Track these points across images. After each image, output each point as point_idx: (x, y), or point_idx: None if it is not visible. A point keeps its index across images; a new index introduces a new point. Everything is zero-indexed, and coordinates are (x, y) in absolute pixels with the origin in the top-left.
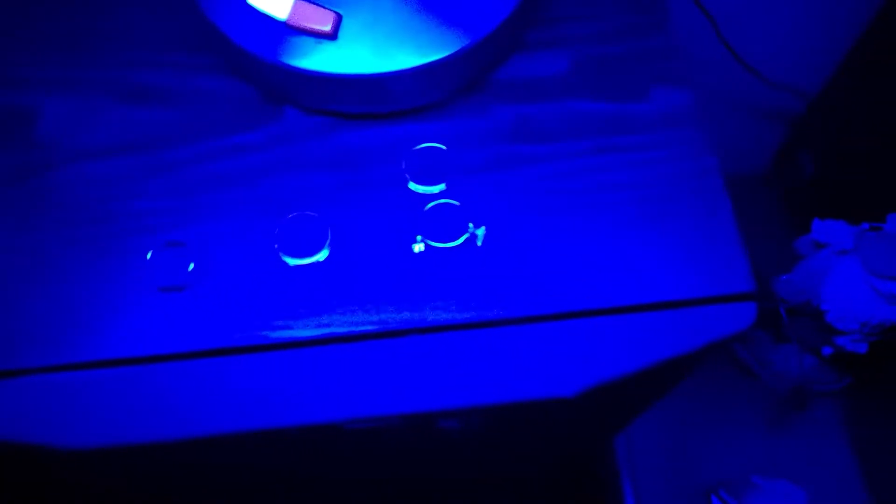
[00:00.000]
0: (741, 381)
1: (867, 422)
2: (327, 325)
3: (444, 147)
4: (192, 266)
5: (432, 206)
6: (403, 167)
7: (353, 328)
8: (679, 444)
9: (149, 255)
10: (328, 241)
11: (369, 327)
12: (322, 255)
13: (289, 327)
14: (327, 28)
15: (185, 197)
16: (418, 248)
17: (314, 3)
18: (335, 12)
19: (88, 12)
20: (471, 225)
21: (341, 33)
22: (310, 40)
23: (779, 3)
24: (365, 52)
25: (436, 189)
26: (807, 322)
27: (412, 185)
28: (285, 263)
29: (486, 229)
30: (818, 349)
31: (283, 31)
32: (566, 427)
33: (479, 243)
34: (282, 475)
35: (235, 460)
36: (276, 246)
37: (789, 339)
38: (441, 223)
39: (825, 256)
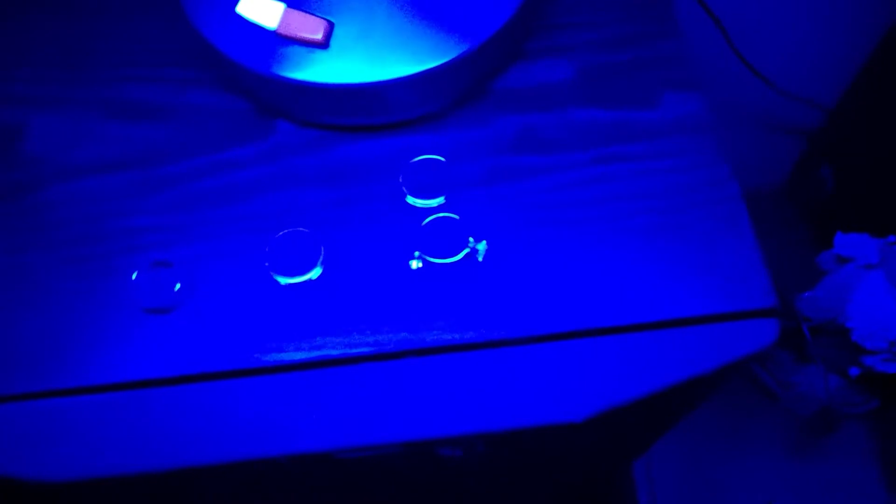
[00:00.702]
0: (763, 404)
1: None
2: (320, 347)
3: (442, 159)
4: (178, 286)
5: (430, 221)
6: (400, 180)
7: (348, 350)
8: (699, 471)
9: (134, 276)
10: (321, 259)
11: (365, 349)
12: (315, 274)
13: (280, 349)
14: (318, 37)
15: (176, 214)
16: (416, 264)
17: (305, 12)
18: (327, 20)
19: (79, 28)
20: (471, 240)
21: (333, 42)
22: (301, 50)
23: (793, 12)
24: (358, 60)
25: (434, 203)
26: (832, 341)
27: (410, 199)
28: (277, 282)
29: (488, 244)
30: (844, 370)
31: (274, 42)
32: (580, 453)
33: (480, 258)
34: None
35: (224, 490)
36: (266, 264)
37: (813, 359)
38: (440, 238)
39: (849, 272)
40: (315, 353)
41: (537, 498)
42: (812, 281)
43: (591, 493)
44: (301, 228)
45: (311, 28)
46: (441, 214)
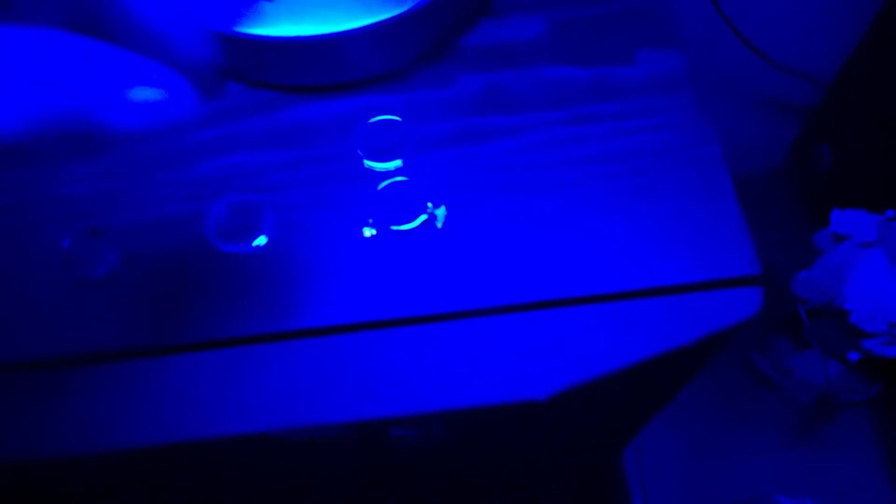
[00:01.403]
0: (760, 391)
1: None
2: (264, 321)
3: (399, 119)
4: (113, 257)
5: (386, 186)
6: (356, 142)
7: (293, 324)
8: (694, 461)
9: (66, 245)
10: (264, 226)
11: (311, 323)
12: (260, 241)
13: (219, 324)
14: None
15: (111, 181)
16: (369, 232)
17: None
18: None
19: None
20: (430, 205)
21: None
22: (245, 1)
23: None
24: (308, 11)
25: (392, 166)
26: (830, 325)
27: (367, 163)
28: (219, 252)
29: (449, 210)
30: (843, 354)
31: None
32: (557, 439)
33: (439, 225)
34: (220, 489)
35: (163, 479)
36: (207, 232)
37: (811, 344)
38: (396, 204)
39: (847, 250)
40: (258, 328)
41: (522, 482)
42: (809, 262)
43: (579, 486)
44: (247, 194)
45: None
46: (398, 179)
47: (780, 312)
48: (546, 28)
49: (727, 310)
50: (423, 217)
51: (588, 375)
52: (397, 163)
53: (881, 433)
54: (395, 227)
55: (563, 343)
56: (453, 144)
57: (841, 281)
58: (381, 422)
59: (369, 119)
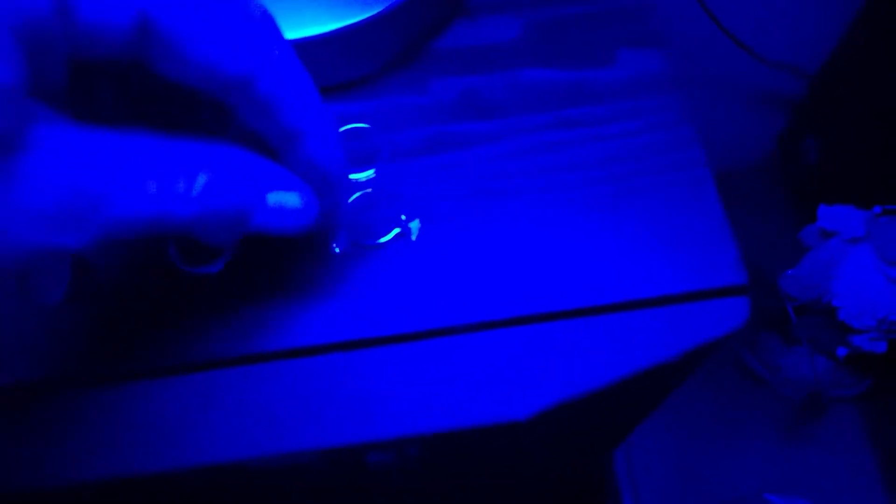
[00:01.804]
0: (750, 388)
1: (890, 429)
2: (227, 344)
3: (367, 126)
4: (74, 279)
5: (357, 197)
6: None
7: (261, 346)
8: (684, 459)
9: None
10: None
11: (280, 345)
12: (224, 260)
13: (186, 348)
14: None
15: None
16: (339, 247)
17: None
18: None
19: None
20: (403, 217)
21: None
22: None
23: None
24: (274, 16)
25: (363, 177)
26: (818, 321)
27: None
28: (183, 272)
29: (423, 222)
30: (832, 351)
31: None
32: (541, 452)
33: (413, 238)
34: None
35: None
36: (171, 252)
37: (800, 340)
38: (368, 217)
39: (834, 246)
40: (221, 352)
41: (510, 491)
42: (796, 259)
43: (567, 487)
44: None
45: None
46: (368, 190)
47: (768, 309)
48: (522, 28)
49: (714, 321)
50: (397, 230)
51: (569, 393)
52: (369, 173)
53: (870, 429)
54: (366, 242)
55: (542, 360)
56: (427, 153)
57: (829, 278)
58: (357, 447)
59: (339, 128)
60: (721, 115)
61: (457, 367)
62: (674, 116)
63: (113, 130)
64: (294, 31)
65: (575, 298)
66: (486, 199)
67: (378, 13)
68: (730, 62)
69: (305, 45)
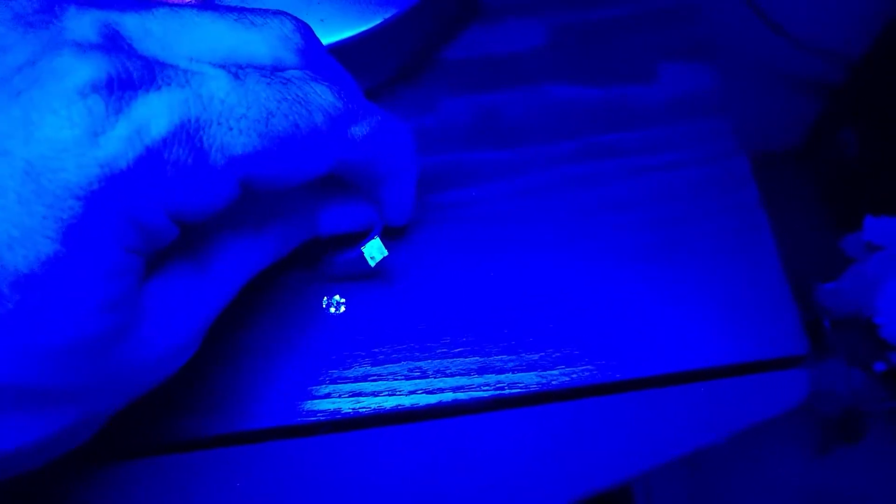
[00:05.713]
0: None
1: None
2: (209, 424)
3: None
4: None
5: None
6: None
7: (240, 426)
8: (709, 482)
9: None
10: None
11: (258, 425)
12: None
13: (172, 427)
14: None
15: None
16: (336, 308)
17: None
18: None
19: None
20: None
21: None
22: None
23: None
24: None
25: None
26: (854, 333)
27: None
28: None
29: (425, 275)
30: (868, 364)
31: None
32: None
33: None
34: None
35: None
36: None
37: (833, 353)
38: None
39: (880, 261)
40: (206, 431)
41: None
42: (829, 261)
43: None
44: None
45: None
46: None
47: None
48: (547, 34)
49: (770, 397)
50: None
51: (606, 483)
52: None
53: None
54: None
55: (566, 450)
56: (433, 189)
57: (872, 294)
58: None
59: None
60: (752, 103)
61: (486, 449)
62: (726, 145)
63: None
64: None
65: (607, 371)
66: (501, 245)
67: (378, 25)
68: (763, 46)
69: None
